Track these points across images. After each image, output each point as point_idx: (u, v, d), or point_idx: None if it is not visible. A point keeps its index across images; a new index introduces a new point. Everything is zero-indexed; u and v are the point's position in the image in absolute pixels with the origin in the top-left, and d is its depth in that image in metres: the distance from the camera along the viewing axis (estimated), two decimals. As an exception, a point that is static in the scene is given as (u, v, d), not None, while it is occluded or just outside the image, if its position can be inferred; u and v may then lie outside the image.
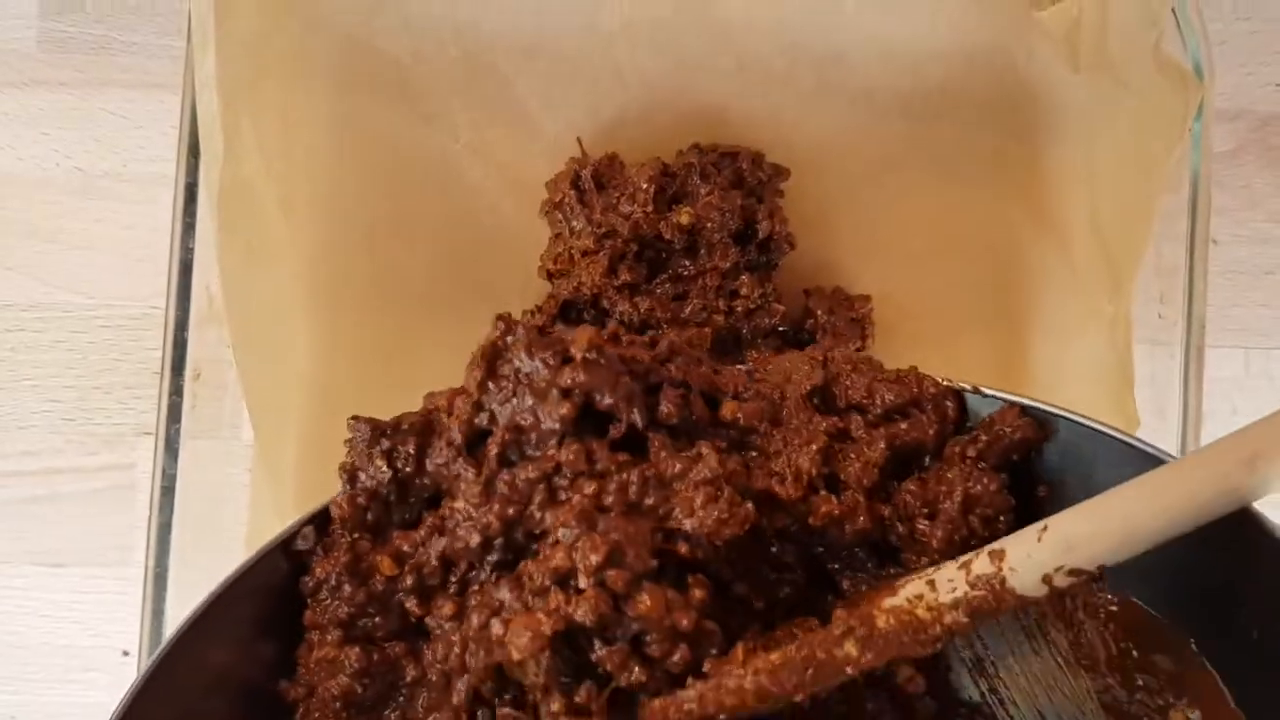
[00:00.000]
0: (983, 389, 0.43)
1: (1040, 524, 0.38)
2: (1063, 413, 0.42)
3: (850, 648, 0.39)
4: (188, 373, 0.53)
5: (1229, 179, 0.63)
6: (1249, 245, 0.64)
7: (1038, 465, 0.43)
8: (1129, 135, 0.55)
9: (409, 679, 0.42)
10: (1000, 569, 0.38)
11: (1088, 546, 0.37)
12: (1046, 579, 0.37)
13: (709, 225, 0.56)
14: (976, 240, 0.59)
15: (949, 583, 0.39)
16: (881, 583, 0.42)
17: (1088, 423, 0.41)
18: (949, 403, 0.43)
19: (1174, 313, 0.54)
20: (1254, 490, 0.35)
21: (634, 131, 0.58)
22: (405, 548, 0.42)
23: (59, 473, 0.63)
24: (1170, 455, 0.40)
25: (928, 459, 0.43)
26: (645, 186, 0.55)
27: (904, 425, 0.43)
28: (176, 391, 0.53)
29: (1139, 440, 0.40)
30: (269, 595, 0.42)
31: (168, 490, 0.53)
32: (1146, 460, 0.39)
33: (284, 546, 0.43)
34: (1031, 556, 0.38)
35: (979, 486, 0.41)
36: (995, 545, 0.39)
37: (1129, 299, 0.55)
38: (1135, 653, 0.41)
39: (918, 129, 0.57)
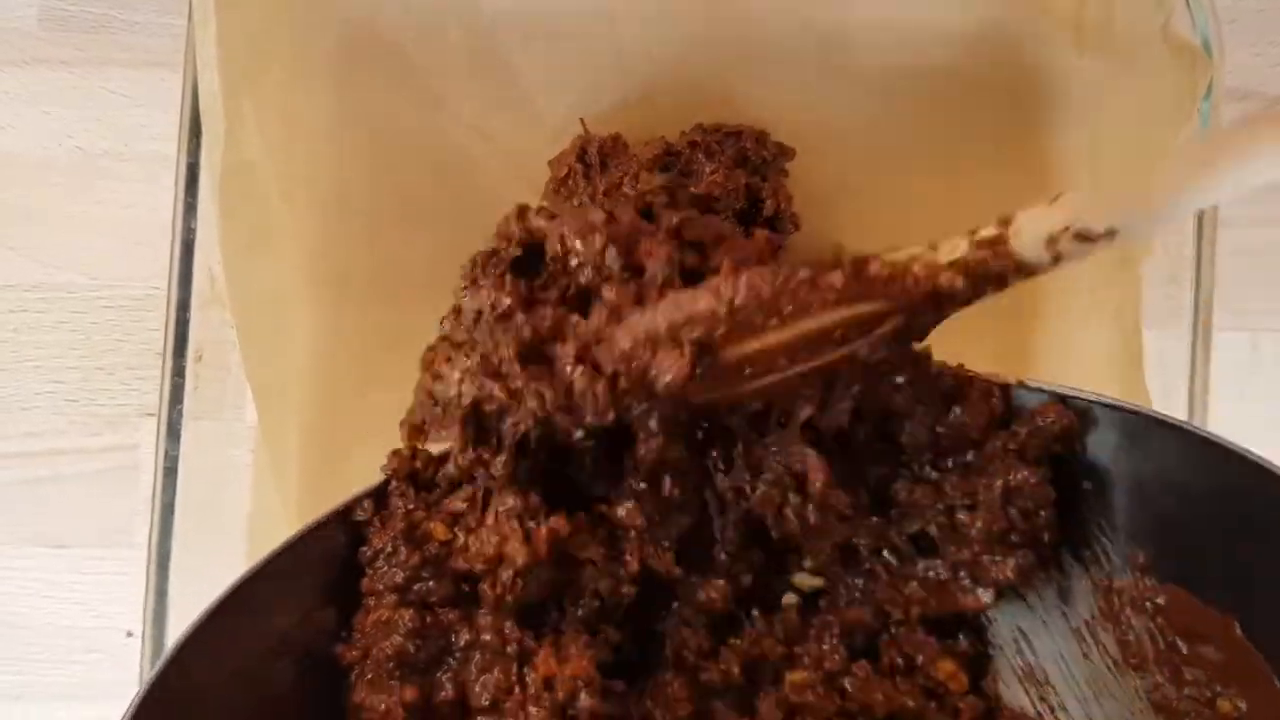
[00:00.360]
0: (1027, 381, 0.42)
1: (1054, 194, 0.37)
2: (1110, 401, 0.41)
3: (836, 277, 0.38)
4: (190, 354, 0.53)
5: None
6: (1258, 227, 0.64)
7: (1083, 457, 0.42)
8: (1136, 116, 0.55)
9: (462, 643, 0.42)
10: (1004, 232, 0.37)
11: (1101, 208, 0.35)
12: (1051, 241, 0.36)
13: (713, 204, 0.55)
14: (981, 223, 0.59)
15: (952, 247, 0.38)
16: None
17: (1136, 409, 0.40)
18: (994, 398, 0.42)
19: (1181, 296, 0.54)
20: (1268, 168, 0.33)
21: (637, 113, 0.58)
22: (458, 506, 0.43)
23: (62, 454, 0.63)
24: (1223, 438, 0.39)
25: (970, 453, 0.42)
26: (648, 165, 0.55)
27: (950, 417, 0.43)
28: (178, 373, 0.53)
29: (1188, 424, 0.39)
30: (327, 564, 0.43)
31: (170, 471, 0.53)
32: (1195, 445, 0.38)
33: (342, 516, 0.43)
34: (1039, 219, 0.36)
35: (1019, 478, 0.41)
36: (1006, 213, 0.38)
37: (1137, 281, 0.54)
38: (1183, 647, 0.40)
39: (922, 111, 0.57)
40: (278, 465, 0.56)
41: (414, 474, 0.43)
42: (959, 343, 0.58)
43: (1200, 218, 0.53)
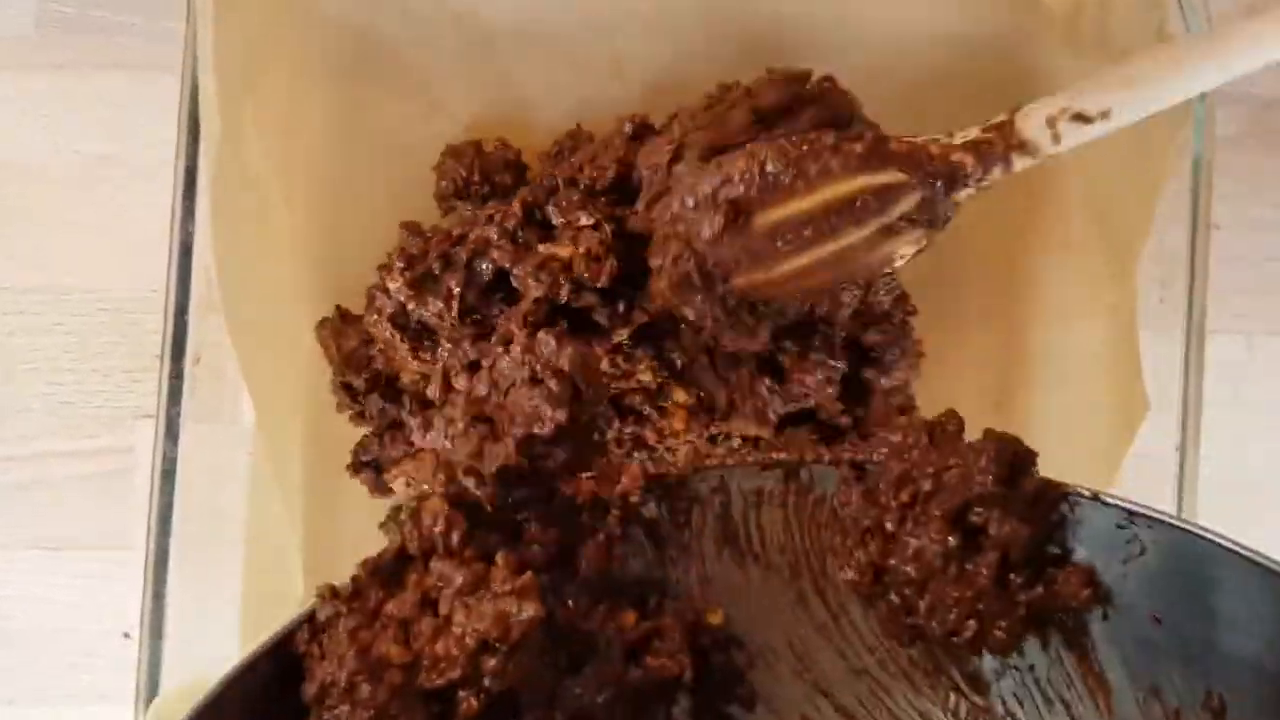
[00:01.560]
0: (1103, 496, 0.39)
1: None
2: (1196, 530, 0.37)
3: (858, 145, 0.42)
4: (188, 357, 0.53)
5: (1231, 164, 0.63)
6: (1251, 230, 0.64)
7: (1148, 590, 0.38)
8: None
9: None
10: (1011, 116, 0.41)
11: (1096, 93, 0.39)
12: (1051, 121, 0.40)
13: None
14: (976, 226, 0.59)
15: (965, 131, 0.42)
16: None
17: (1222, 543, 0.36)
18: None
19: (1176, 298, 0.54)
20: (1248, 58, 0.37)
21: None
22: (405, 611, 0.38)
23: (58, 456, 0.63)
24: None
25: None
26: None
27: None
28: (177, 375, 0.53)
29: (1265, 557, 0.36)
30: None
31: (168, 474, 0.52)
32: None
33: (273, 651, 0.38)
34: (1042, 105, 0.40)
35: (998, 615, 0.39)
36: (1017, 104, 0.42)
37: (1133, 285, 0.55)
38: None
39: (918, 114, 0.57)
40: (278, 467, 0.56)
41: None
42: (959, 343, 0.59)
43: (1194, 221, 0.54)
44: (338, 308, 0.58)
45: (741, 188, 0.43)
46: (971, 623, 0.38)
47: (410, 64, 0.58)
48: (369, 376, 0.57)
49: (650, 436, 0.54)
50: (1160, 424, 0.53)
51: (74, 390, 0.63)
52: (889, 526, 0.39)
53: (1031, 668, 0.38)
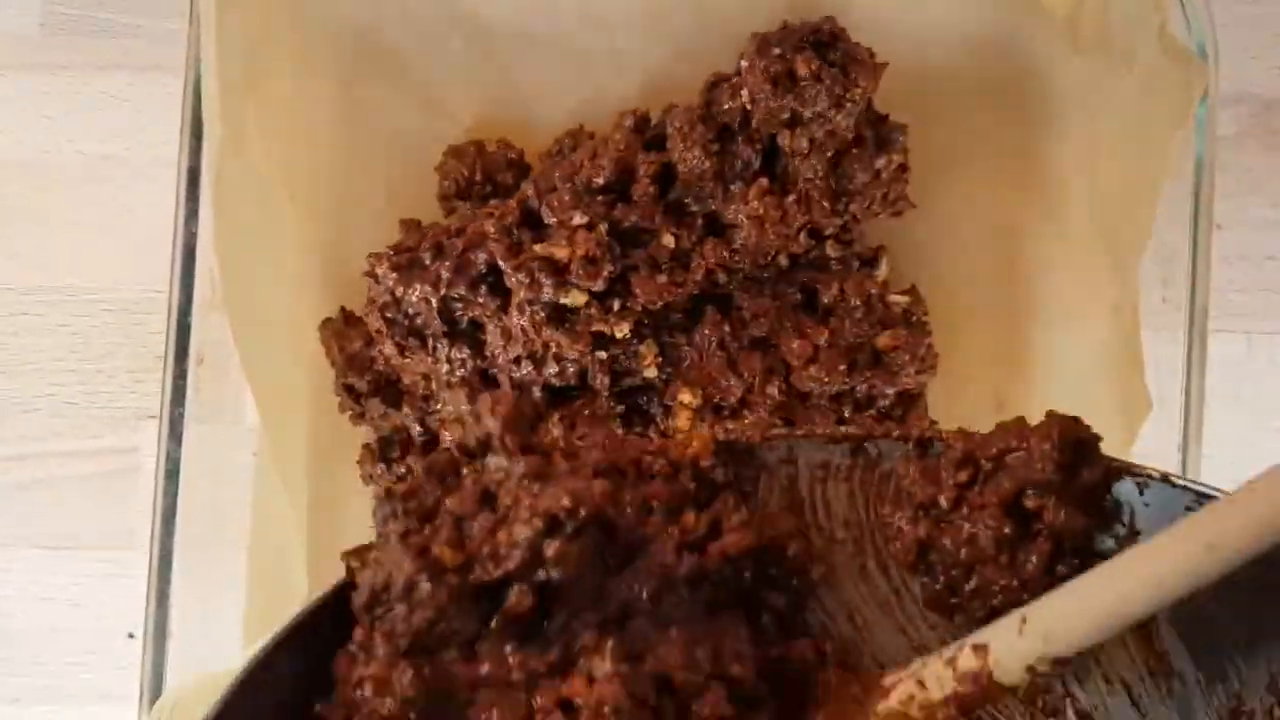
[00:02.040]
0: (1172, 478, 0.38)
1: (1019, 614, 0.37)
2: None
3: None
4: (191, 357, 0.53)
5: (1231, 163, 0.63)
6: (1252, 230, 0.64)
7: None
8: (1132, 119, 0.55)
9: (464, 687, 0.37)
10: (985, 664, 0.37)
11: (1064, 635, 0.36)
12: (1030, 670, 0.36)
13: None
14: (977, 226, 0.59)
15: (937, 680, 0.38)
16: (867, 680, 0.41)
17: None
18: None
19: (1177, 297, 0.54)
20: (1212, 571, 0.34)
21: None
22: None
23: (61, 456, 0.63)
24: None
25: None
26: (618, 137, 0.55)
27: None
28: (180, 375, 0.53)
29: None
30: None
31: (171, 474, 0.53)
32: None
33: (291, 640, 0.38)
34: (1014, 650, 0.37)
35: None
36: (978, 638, 0.38)
37: (1134, 284, 0.55)
38: None
39: (918, 113, 0.57)
40: (282, 466, 0.56)
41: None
42: (959, 342, 0.59)
43: (1195, 220, 0.54)
44: (341, 309, 0.58)
45: None
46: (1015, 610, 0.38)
47: (413, 64, 0.58)
48: (371, 379, 0.57)
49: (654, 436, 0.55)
50: (1162, 422, 0.53)
51: (77, 390, 0.63)
52: (943, 504, 0.39)
53: (1092, 648, 0.37)
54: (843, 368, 0.54)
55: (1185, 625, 0.38)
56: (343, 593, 0.38)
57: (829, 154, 0.54)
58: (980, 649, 0.38)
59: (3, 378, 0.63)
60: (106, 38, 0.63)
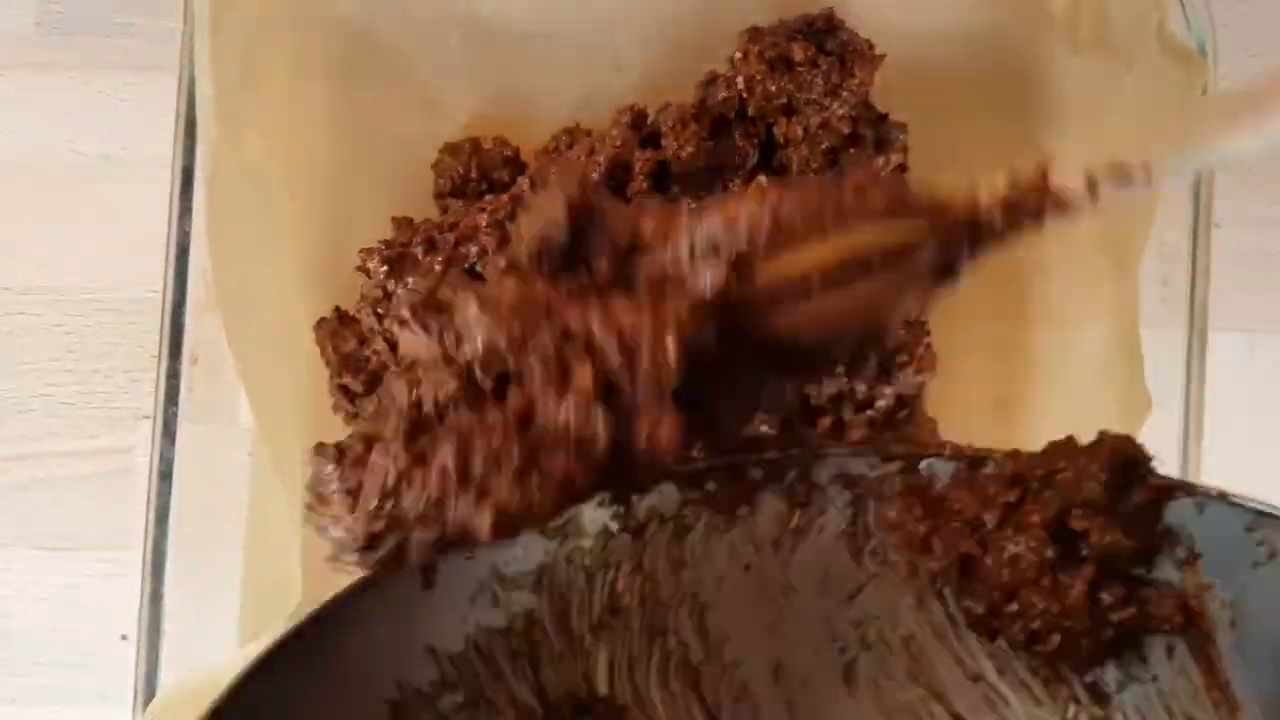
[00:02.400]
0: (1230, 496, 0.37)
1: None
2: None
3: (878, 194, 0.38)
4: (185, 357, 0.53)
5: (1231, 162, 0.62)
6: (1252, 229, 0.64)
7: None
8: (1133, 118, 0.55)
9: None
10: (1045, 168, 0.37)
11: (1140, 147, 0.36)
12: (1090, 179, 0.36)
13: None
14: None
15: (992, 182, 0.38)
16: None
17: None
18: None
19: (1177, 296, 0.54)
20: None
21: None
22: None
23: (58, 456, 0.63)
24: None
25: None
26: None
27: None
28: (174, 375, 0.53)
29: None
30: None
31: (165, 475, 0.52)
32: None
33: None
34: (1078, 157, 0.37)
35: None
36: (1046, 154, 0.39)
37: (1135, 283, 0.54)
38: None
39: (916, 111, 0.57)
40: (279, 467, 0.56)
41: None
42: (959, 342, 0.58)
43: (1195, 219, 0.53)
44: (336, 309, 0.58)
45: (747, 239, 0.39)
46: (1055, 636, 0.37)
47: (411, 62, 0.58)
48: (365, 378, 0.57)
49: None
50: (1162, 422, 0.53)
51: (74, 390, 0.63)
52: (989, 523, 0.38)
53: (1155, 678, 0.37)
54: (840, 369, 0.54)
55: (1253, 657, 0.37)
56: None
57: (824, 146, 0.53)
58: (1046, 157, 0.38)
59: (-1, 378, 0.63)
60: (103, 37, 0.63)
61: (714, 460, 0.40)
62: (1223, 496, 0.37)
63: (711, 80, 0.55)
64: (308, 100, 0.57)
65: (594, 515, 0.39)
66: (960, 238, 0.39)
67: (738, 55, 0.55)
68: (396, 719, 0.38)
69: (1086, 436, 0.55)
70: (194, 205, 0.53)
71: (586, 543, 0.40)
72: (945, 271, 0.40)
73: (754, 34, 0.55)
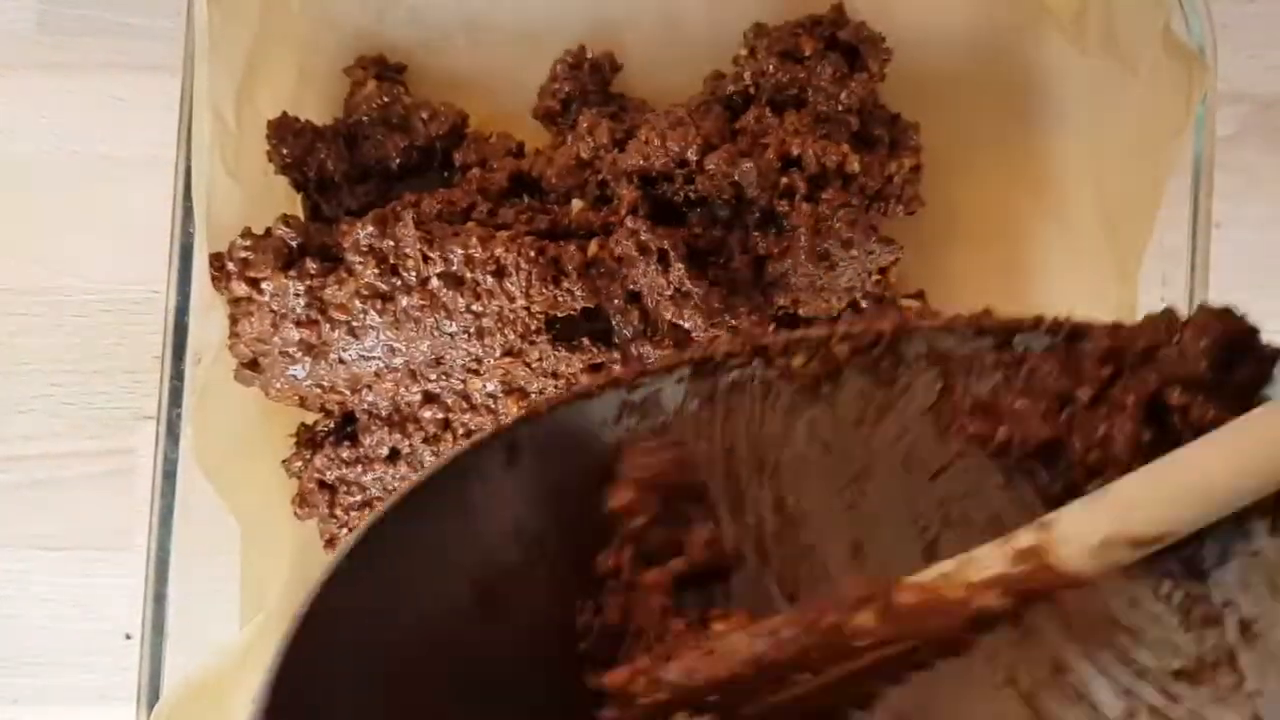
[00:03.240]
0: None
1: (1101, 490, 0.33)
2: None
3: (866, 619, 0.34)
4: (188, 357, 0.53)
5: (1231, 162, 0.62)
6: (1251, 229, 0.64)
7: None
8: (1134, 119, 0.55)
9: None
10: (1047, 541, 0.33)
11: (1151, 508, 0.31)
12: (1101, 549, 0.32)
13: None
14: (981, 225, 0.59)
15: (986, 557, 0.34)
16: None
17: None
18: None
19: (1176, 296, 0.54)
20: None
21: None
22: None
23: (60, 457, 0.63)
24: None
25: None
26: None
27: None
28: (177, 376, 0.53)
29: None
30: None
31: (169, 475, 0.53)
32: None
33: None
34: (1085, 524, 0.32)
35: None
36: (1048, 516, 0.34)
37: (1135, 283, 0.55)
38: None
39: (923, 113, 0.57)
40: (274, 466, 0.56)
41: None
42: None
43: (1194, 219, 0.54)
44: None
45: (734, 683, 0.36)
46: None
47: (418, 66, 0.58)
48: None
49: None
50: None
51: (75, 391, 0.63)
52: (1082, 399, 0.35)
53: (1256, 553, 0.33)
54: None
55: None
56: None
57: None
58: (1045, 525, 0.34)
59: (0, 378, 0.63)
60: (104, 37, 0.63)
61: (799, 334, 0.39)
62: None
63: (719, 76, 0.56)
64: (317, 105, 0.58)
65: (673, 390, 0.39)
66: (963, 636, 0.35)
67: (743, 52, 0.55)
68: (481, 601, 0.37)
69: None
70: (195, 207, 0.53)
71: (663, 418, 0.39)
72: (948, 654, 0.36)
73: (760, 29, 0.55)
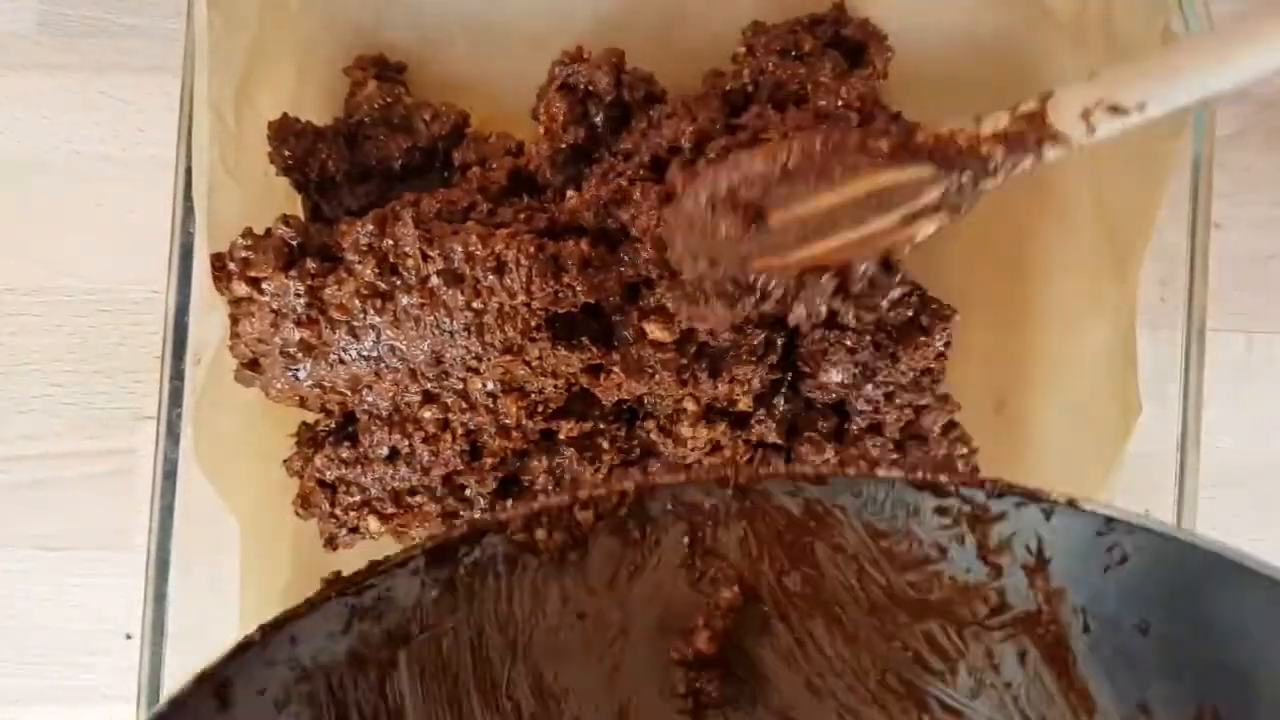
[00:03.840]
0: (1079, 502, 0.36)
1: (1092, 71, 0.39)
2: (1185, 537, 0.35)
3: (884, 142, 0.41)
4: (189, 357, 0.53)
5: (1231, 162, 0.63)
6: (1251, 229, 0.64)
7: (1132, 599, 0.36)
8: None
9: None
10: (1043, 106, 0.39)
11: (1134, 83, 0.38)
12: (1086, 113, 0.39)
13: None
14: (981, 226, 0.59)
15: (994, 120, 0.41)
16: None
17: (1213, 548, 0.34)
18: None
19: (1176, 296, 0.54)
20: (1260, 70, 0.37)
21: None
22: None
23: (60, 457, 0.63)
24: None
25: None
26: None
27: None
28: (177, 376, 0.53)
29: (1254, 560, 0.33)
30: None
31: (169, 475, 0.53)
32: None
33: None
34: (1076, 93, 0.39)
35: None
36: (1047, 90, 0.41)
37: (1134, 284, 0.55)
38: None
39: (924, 115, 0.57)
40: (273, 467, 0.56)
41: None
42: (962, 342, 0.58)
43: (1194, 219, 0.54)
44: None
45: (761, 189, 0.43)
46: None
47: (417, 66, 0.58)
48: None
49: (660, 441, 0.55)
50: (1161, 421, 0.53)
51: (76, 391, 0.63)
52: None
53: (1008, 685, 0.37)
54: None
55: (1107, 658, 0.36)
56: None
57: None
58: (1044, 95, 0.41)
59: (1, 378, 0.63)
60: (105, 38, 0.63)
61: (539, 505, 0.38)
62: (1071, 502, 0.36)
63: (719, 74, 0.56)
64: (316, 105, 0.58)
65: (407, 584, 0.37)
66: (965, 173, 0.42)
67: (742, 50, 0.55)
68: None
69: (1086, 438, 0.55)
70: (196, 207, 0.53)
71: (400, 617, 0.37)
72: (952, 206, 0.43)
73: (758, 28, 0.55)
